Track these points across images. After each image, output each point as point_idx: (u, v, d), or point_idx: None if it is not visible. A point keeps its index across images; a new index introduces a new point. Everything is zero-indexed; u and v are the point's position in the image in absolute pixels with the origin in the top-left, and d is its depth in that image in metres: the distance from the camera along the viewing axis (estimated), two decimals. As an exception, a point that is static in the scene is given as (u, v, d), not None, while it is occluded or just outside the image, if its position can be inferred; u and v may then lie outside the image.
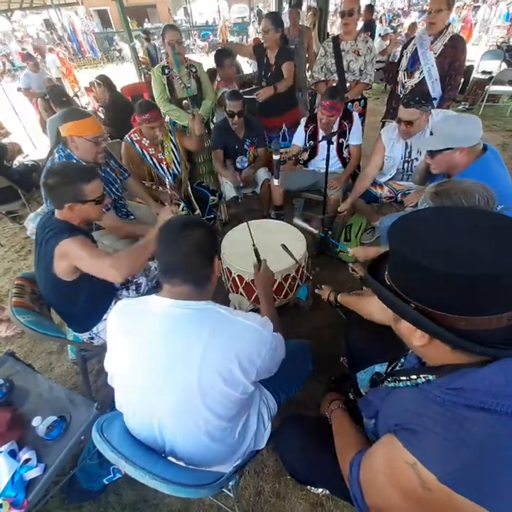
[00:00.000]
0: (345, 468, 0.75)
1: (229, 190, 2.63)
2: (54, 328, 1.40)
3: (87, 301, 1.37)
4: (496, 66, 5.66)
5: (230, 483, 1.02)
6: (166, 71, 2.51)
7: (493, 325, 0.51)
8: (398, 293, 0.59)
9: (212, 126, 3.04)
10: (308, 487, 1.26)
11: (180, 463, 0.90)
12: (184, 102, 2.55)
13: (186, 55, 2.65)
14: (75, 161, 1.69)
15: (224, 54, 2.87)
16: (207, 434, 0.84)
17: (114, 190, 1.91)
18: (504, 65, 5.58)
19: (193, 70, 2.60)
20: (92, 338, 1.47)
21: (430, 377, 0.60)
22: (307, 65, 3.77)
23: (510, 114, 5.02)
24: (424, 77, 2.50)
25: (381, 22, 10.88)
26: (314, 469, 0.97)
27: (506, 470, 0.47)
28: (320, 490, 1.24)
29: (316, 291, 1.50)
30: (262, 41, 2.76)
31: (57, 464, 1.08)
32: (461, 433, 0.50)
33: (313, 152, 2.50)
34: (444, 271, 0.51)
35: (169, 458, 0.90)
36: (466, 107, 5.34)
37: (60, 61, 7.47)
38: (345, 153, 2.46)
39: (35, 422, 1.15)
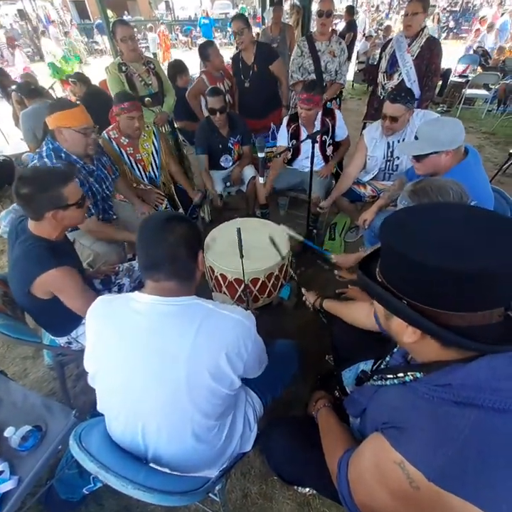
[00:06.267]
0: (333, 467, 0.75)
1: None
2: (28, 332, 1.33)
3: (65, 307, 1.28)
4: (460, 69, 5.91)
5: (217, 487, 1.01)
6: (123, 68, 2.40)
7: (485, 321, 0.51)
8: (390, 289, 0.58)
9: (176, 124, 2.99)
10: (295, 487, 1.26)
11: (165, 469, 0.87)
12: (146, 99, 2.48)
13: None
14: (63, 155, 1.61)
15: (208, 44, 2.77)
16: (193, 435, 0.82)
17: (104, 187, 1.84)
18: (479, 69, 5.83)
19: (152, 66, 2.53)
20: (70, 343, 1.41)
21: (418, 374, 0.60)
22: (290, 64, 3.77)
23: (486, 117, 5.23)
24: (403, 78, 2.56)
25: (433, 21, 10.69)
26: (301, 469, 0.97)
27: (493, 465, 0.47)
28: (307, 489, 1.24)
29: (303, 291, 1.50)
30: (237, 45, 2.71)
31: (32, 476, 1.02)
32: (449, 429, 0.50)
33: (296, 151, 2.50)
34: (438, 266, 0.49)
35: (152, 465, 0.87)
36: (444, 109, 5.53)
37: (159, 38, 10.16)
38: (329, 151, 2.48)
39: (8, 432, 1.08)
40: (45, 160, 1.58)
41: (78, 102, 3.54)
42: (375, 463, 0.60)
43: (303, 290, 1.51)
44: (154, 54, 9.70)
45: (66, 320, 1.35)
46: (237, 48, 2.83)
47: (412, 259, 0.52)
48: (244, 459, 1.31)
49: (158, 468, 0.87)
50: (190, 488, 0.83)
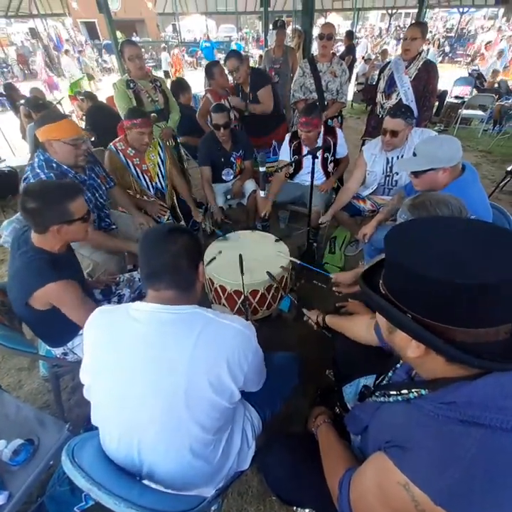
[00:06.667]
0: (334, 487, 0.73)
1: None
2: (24, 342, 1.32)
3: (63, 317, 1.27)
4: (467, 92, 6.10)
5: (212, 508, 0.97)
6: (131, 85, 2.50)
7: (490, 338, 0.50)
8: (394, 302, 0.56)
9: (178, 139, 3.05)
10: (294, 508, 1.21)
11: (159, 487, 0.84)
12: (152, 115, 2.56)
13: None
14: (54, 165, 1.62)
15: (213, 64, 2.86)
16: (190, 449, 0.80)
17: (97, 196, 1.85)
18: (474, 92, 6.02)
19: (158, 84, 2.62)
20: (66, 354, 1.39)
21: (423, 391, 0.58)
22: (292, 84, 3.90)
23: (482, 136, 5.35)
24: (400, 98, 2.64)
25: (433, 45, 11.95)
26: (300, 488, 0.94)
27: (500, 486, 0.46)
28: (306, 510, 1.19)
29: (304, 311, 1.49)
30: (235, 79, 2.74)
31: (23, 492, 0.99)
32: (455, 449, 0.48)
33: (298, 166, 2.55)
34: (441, 279, 0.49)
35: (146, 482, 0.84)
36: (442, 128, 5.67)
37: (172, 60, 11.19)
38: (330, 168, 2.53)
39: (-1, 446, 1.06)
40: (38, 171, 1.59)
41: (84, 116, 3.71)
42: (378, 484, 0.58)
43: (304, 311, 1.49)
44: (165, 72, 10.26)
45: (63, 331, 1.34)
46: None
47: (416, 272, 0.51)
48: (242, 478, 1.27)
49: (153, 485, 0.84)
50: (185, 507, 0.79)
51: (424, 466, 0.50)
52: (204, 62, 15.05)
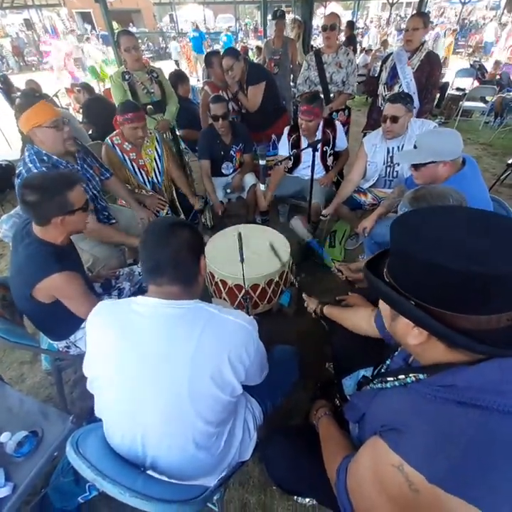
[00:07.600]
0: (332, 475, 0.74)
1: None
2: (26, 336, 1.33)
3: (65, 311, 1.28)
4: (468, 83, 6.02)
5: (215, 497, 0.99)
6: (127, 77, 2.46)
7: (493, 325, 0.50)
8: (398, 290, 0.57)
9: (178, 132, 3.02)
10: (295, 497, 1.24)
11: (162, 477, 0.86)
12: (148, 107, 2.54)
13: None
14: (45, 158, 1.58)
15: (213, 53, 2.84)
16: (193, 442, 0.81)
17: (91, 187, 1.83)
18: (476, 83, 5.95)
19: (155, 75, 2.58)
20: (68, 347, 1.39)
21: (421, 376, 0.59)
22: (291, 76, 3.85)
23: (483, 129, 5.31)
24: (403, 90, 2.61)
25: (445, 36, 11.12)
26: (301, 479, 0.95)
27: (497, 467, 0.46)
28: (307, 500, 1.22)
29: (304, 296, 1.50)
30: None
31: (27, 483, 1.01)
32: (451, 430, 0.49)
33: (297, 160, 2.53)
34: (452, 268, 0.49)
35: (150, 472, 0.85)
36: (442, 120, 5.62)
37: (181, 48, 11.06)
38: (329, 162, 2.51)
39: (4, 438, 1.07)
40: (30, 165, 1.56)
41: (81, 109, 3.67)
42: (372, 469, 0.59)
43: (304, 296, 1.50)
44: (176, 61, 10.18)
45: (65, 324, 1.34)
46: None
47: (421, 259, 0.52)
48: (243, 469, 1.29)
49: (156, 475, 0.85)
50: (189, 496, 0.81)
51: (419, 446, 0.51)
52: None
